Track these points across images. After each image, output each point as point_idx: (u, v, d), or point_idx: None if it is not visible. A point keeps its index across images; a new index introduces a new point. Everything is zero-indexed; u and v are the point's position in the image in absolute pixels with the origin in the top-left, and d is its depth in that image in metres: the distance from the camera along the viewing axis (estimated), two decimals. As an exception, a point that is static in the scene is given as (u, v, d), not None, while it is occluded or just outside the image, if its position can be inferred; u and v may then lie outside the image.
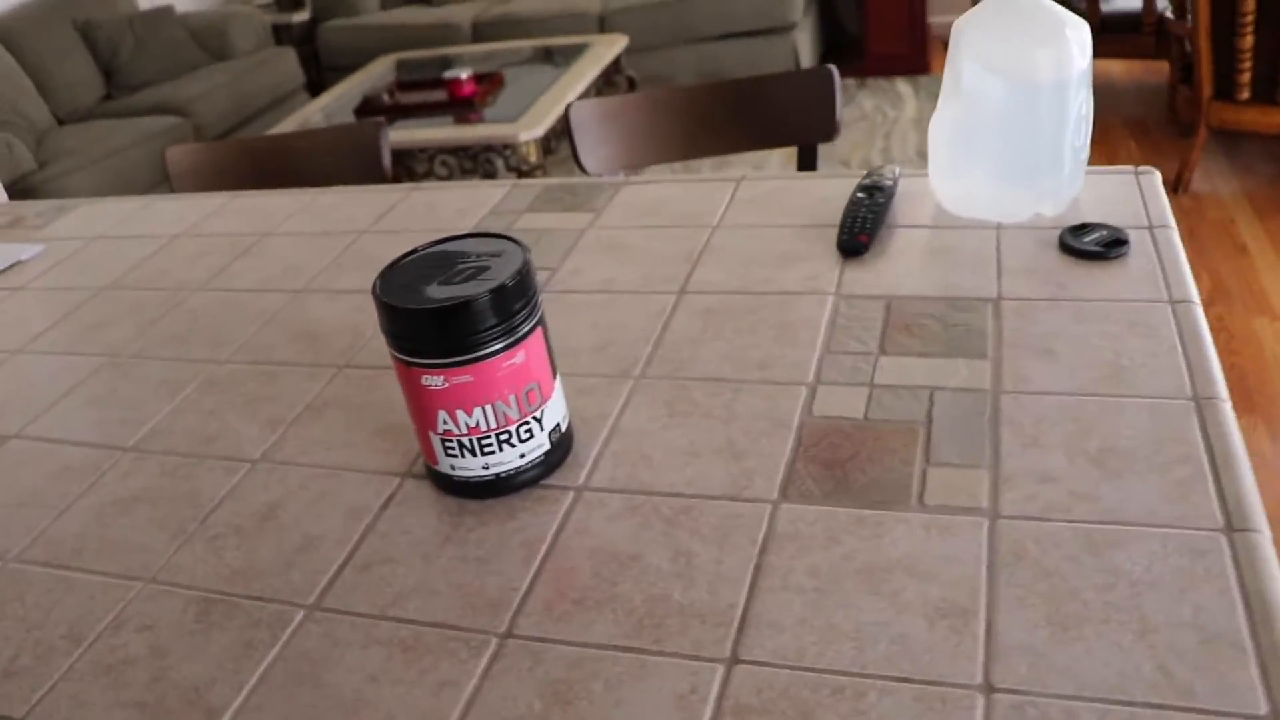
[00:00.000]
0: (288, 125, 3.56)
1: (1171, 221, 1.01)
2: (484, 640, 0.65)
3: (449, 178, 3.31)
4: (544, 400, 0.74)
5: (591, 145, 1.54)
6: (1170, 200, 3.52)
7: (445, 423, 0.72)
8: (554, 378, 0.75)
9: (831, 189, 1.15)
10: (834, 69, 1.51)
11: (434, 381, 0.70)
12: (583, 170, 1.55)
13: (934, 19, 4.62)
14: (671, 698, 0.59)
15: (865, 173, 1.12)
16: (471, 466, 0.74)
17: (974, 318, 0.89)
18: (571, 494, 0.76)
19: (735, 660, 0.61)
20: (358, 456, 0.84)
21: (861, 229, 1.02)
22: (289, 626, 0.69)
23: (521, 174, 3.22)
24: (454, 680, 0.63)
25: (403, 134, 3.27)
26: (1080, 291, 0.91)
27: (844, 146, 3.80)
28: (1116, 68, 4.17)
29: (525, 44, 4.19)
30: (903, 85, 4.33)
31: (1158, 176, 1.09)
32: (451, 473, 0.75)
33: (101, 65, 4.05)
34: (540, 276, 1.06)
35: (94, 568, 0.78)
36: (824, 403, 0.81)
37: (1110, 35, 3.64)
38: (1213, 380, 0.79)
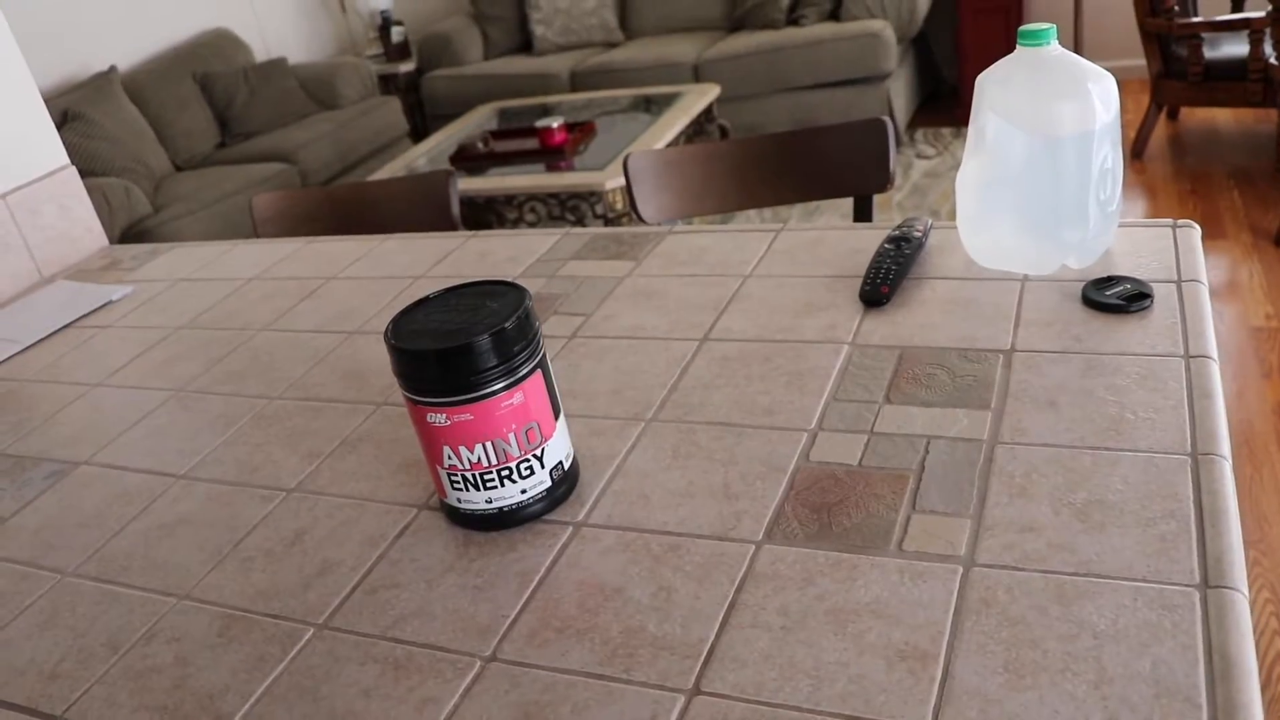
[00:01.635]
0: (388, 172, 3.72)
1: (1203, 276, 1.01)
2: (469, 662, 0.69)
3: (538, 224, 3.41)
4: (544, 439, 0.78)
5: (649, 194, 1.60)
6: (1272, 254, 3.36)
7: (450, 458, 0.77)
8: (555, 418, 0.79)
9: (866, 240, 1.18)
10: (887, 121, 1.53)
11: (438, 419, 0.75)
12: (640, 219, 1.60)
13: (1031, 66, 4.57)
14: (631, 724, 0.62)
15: (898, 224, 1.14)
16: (476, 500, 0.79)
17: (983, 369, 0.91)
18: (570, 529, 0.80)
19: (697, 691, 0.64)
20: (382, 488, 0.90)
21: (884, 280, 1.04)
22: (299, 643, 0.74)
23: (608, 221, 3.30)
24: (436, 698, 0.67)
25: (494, 181, 3.39)
26: (1096, 345, 0.92)
27: (935, 197, 3.79)
28: (1222, 116, 4.06)
29: (621, 93, 4.29)
30: (996, 133, 4.28)
31: (1196, 231, 1.09)
32: (458, 505, 0.80)
33: (217, 114, 4.31)
34: (574, 322, 1.11)
35: (137, 584, 0.85)
36: (822, 448, 0.84)
37: (1215, 83, 3.56)
38: (1216, 437, 0.79)
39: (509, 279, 0.85)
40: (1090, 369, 0.88)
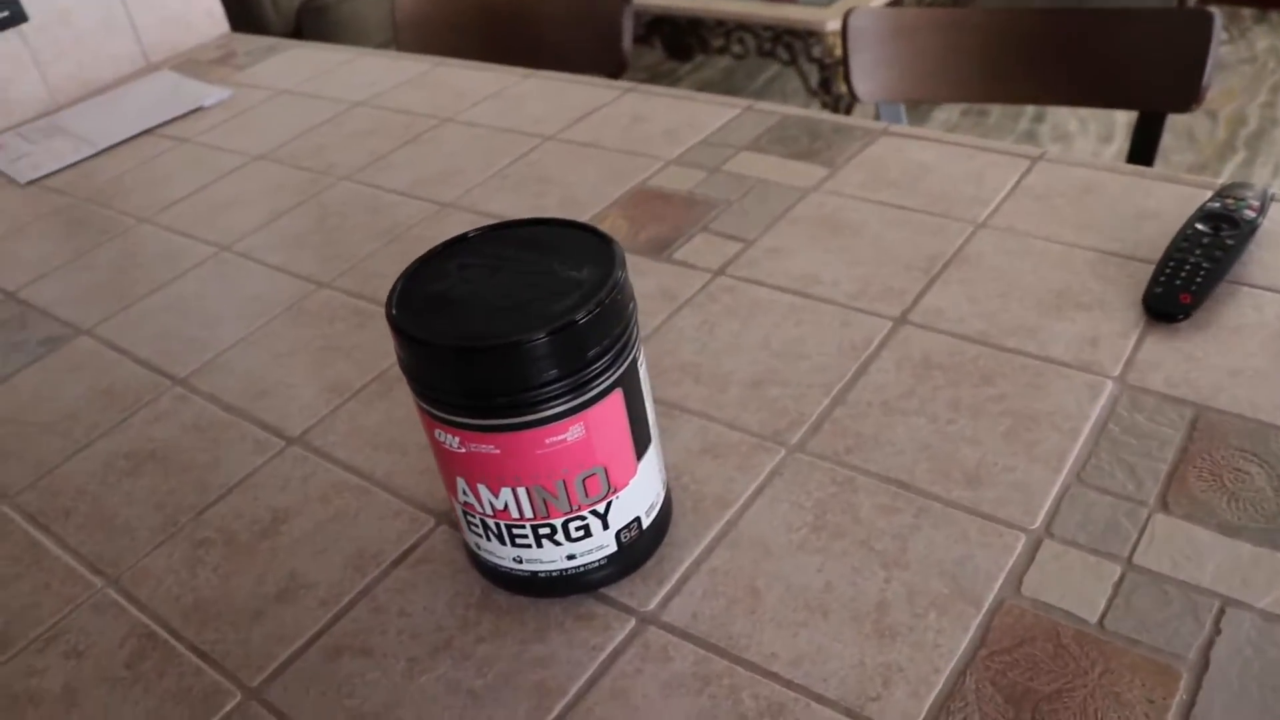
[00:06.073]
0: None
1: None
2: None
3: (744, 58, 3.02)
4: (614, 490, 0.51)
5: (870, 66, 1.24)
6: None
7: (465, 493, 0.51)
8: (639, 457, 0.51)
9: (1162, 200, 0.81)
10: (1215, 13, 1.11)
11: (449, 441, 0.48)
12: (853, 95, 1.25)
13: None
14: None
15: (1218, 188, 0.78)
16: (500, 555, 0.52)
17: (1332, 475, 0.57)
18: (631, 623, 0.53)
19: None
20: (402, 470, 0.65)
21: (1186, 284, 0.69)
22: (220, 712, 0.51)
23: (824, 67, 2.88)
24: None
25: (703, 1, 3.00)
26: None
27: (1213, 95, 3.17)
28: None
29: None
30: (1314, 23, 3.55)
31: None
32: (478, 551, 0.54)
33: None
34: (727, 249, 0.81)
35: (71, 542, 0.63)
36: (1044, 574, 0.53)
37: None
38: None
39: (595, 228, 0.55)
40: None
